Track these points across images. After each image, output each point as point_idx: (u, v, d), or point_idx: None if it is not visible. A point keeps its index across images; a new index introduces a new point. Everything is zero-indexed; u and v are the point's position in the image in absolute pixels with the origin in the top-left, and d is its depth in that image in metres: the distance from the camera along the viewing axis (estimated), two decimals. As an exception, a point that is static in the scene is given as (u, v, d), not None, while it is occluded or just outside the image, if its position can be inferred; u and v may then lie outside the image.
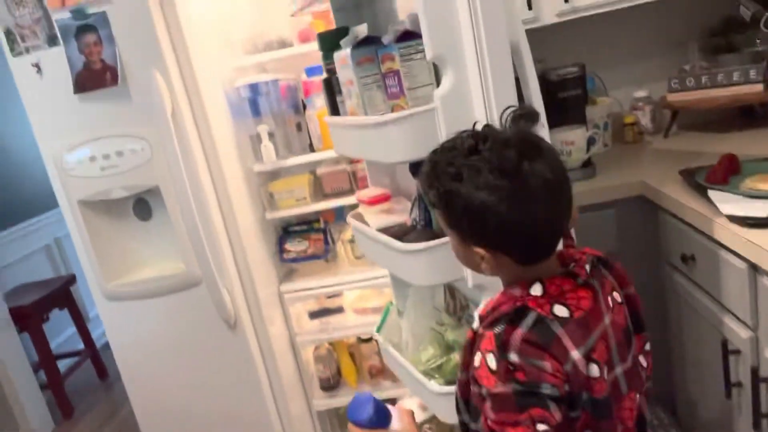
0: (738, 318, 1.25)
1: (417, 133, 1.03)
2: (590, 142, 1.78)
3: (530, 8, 1.82)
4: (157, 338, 1.86)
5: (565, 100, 1.75)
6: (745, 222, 1.18)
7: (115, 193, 1.73)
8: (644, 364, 0.92)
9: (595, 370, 0.79)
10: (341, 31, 1.28)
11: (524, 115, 0.84)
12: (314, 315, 2.04)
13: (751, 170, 1.46)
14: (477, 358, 0.81)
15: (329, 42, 1.29)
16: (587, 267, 0.85)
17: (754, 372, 1.17)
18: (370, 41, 1.16)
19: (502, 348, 0.77)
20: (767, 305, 1.14)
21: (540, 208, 0.78)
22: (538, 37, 2.15)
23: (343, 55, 1.18)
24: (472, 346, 0.86)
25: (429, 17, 0.99)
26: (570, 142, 1.75)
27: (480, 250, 0.81)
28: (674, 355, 1.69)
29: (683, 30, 2.08)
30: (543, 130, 1.01)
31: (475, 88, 1.01)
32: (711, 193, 1.33)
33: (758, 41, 1.88)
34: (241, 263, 1.79)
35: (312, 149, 1.87)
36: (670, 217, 1.51)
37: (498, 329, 0.79)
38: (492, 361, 0.78)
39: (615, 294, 0.89)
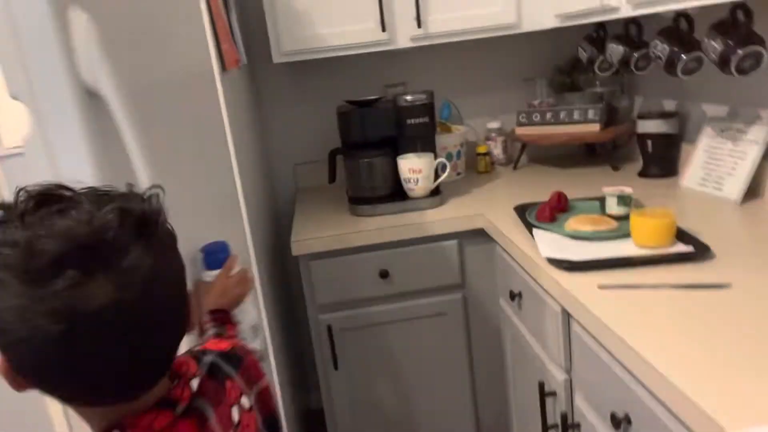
0: (554, 360, 1.25)
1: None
2: (439, 170, 1.75)
3: (384, 30, 1.77)
4: None
5: (415, 126, 1.70)
6: (560, 265, 1.17)
7: None
8: None
9: None
10: None
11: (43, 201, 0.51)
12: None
13: (577, 209, 1.48)
14: None
15: None
16: (195, 382, 0.63)
17: (564, 417, 1.15)
18: None
19: None
20: (579, 350, 1.13)
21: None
22: (401, 59, 2.15)
23: None
24: None
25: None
26: (417, 170, 1.71)
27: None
28: (508, 392, 1.69)
29: (534, 66, 2.14)
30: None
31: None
32: (536, 233, 1.33)
33: (597, 83, 1.96)
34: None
35: None
36: (503, 251, 1.50)
37: None
38: None
39: (243, 400, 0.69)
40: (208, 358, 0.68)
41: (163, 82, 1.03)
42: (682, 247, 1.18)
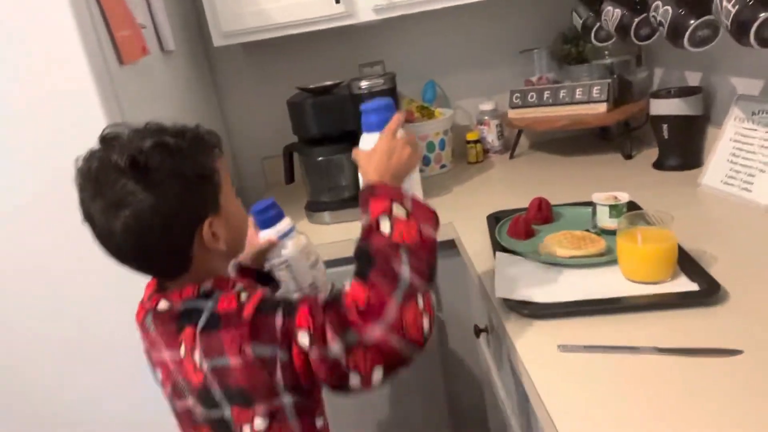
0: (516, 418, 0.98)
1: None
2: (408, 167, 1.47)
3: (337, 1, 1.48)
4: None
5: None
6: (519, 309, 0.89)
7: None
8: None
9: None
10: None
11: None
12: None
13: (563, 219, 1.19)
14: None
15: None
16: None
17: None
18: None
19: None
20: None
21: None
22: (376, 34, 1.86)
23: None
24: None
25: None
26: (380, 169, 1.43)
27: None
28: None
29: (533, 34, 1.81)
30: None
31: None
32: (498, 258, 1.04)
33: (606, 53, 1.62)
34: None
35: None
36: (470, 276, 1.23)
37: None
38: None
39: (195, 355, 0.74)
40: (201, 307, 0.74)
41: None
42: (684, 284, 0.88)
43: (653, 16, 1.08)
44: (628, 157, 1.57)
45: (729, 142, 1.22)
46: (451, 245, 1.33)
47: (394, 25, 1.78)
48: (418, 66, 1.85)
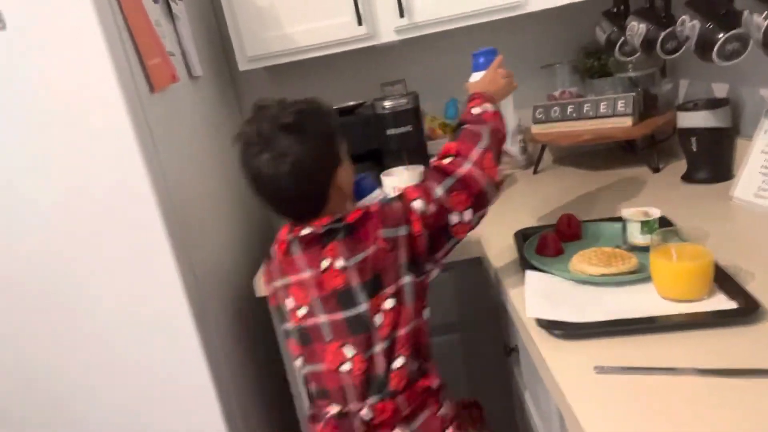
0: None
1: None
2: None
3: (360, 23, 1.50)
4: None
5: (398, 137, 1.44)
6: (551, 329, 0.88)
7: None
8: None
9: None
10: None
11: None
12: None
13: (592, 236, 1.18)
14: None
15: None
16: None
17: None
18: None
19: None
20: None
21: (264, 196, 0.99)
22: (397, 54, 1.88)
23: None
24: None
25: None
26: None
27: None
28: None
29: (554, 49, 1.81)
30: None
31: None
32: (528, 276, 1.03)
33: (630, 66, 1.61)
34: None
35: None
36: (498, 294, 1.21)
37: None
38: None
39: (337, 262, 0.94)
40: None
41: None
42: (721, 302, 0.86)
43: (680, 31, 1.07)
44: (656, 170, 1.55)
45: (760, 154, 1.20)
46: (478, 262, 1.33)
47: (414, 44, 1.79)
48: (439, 83, 1.86)
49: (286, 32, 1.53)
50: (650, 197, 1.37)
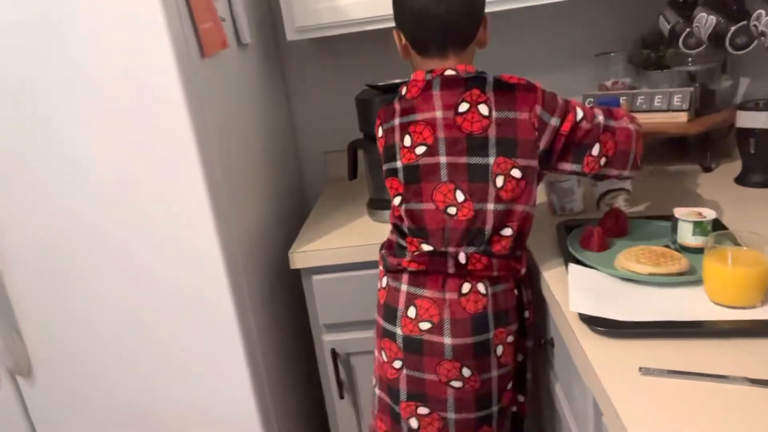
0: (585, 442, 0.95)
1: None
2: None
3: None
4: None
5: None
6: (595, 326, 0.86)
7: None
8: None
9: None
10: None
11: None
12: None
13: (640, 233, 1.14)
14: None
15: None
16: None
17: None
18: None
19: None
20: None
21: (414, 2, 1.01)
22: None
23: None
24: None
25: None
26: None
27: (396, 33, 1.09)
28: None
29: (611, 37, 1.75)
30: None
31: None
32: (571, 270, 1.01)
33: (690, 60, 1.55)
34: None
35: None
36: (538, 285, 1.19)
37: None
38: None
39: (481, 107, 1.00)
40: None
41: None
42: (777, 312, 0.83)
43: (754, 25, 1.01)
44: (708, 169, 1.50)
45: (826, 160, 1.14)
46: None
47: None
48: (486, 65, 1.80)
49: (338, 4, 1.50)
50: (700, 197, 1.33)
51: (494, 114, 0.98)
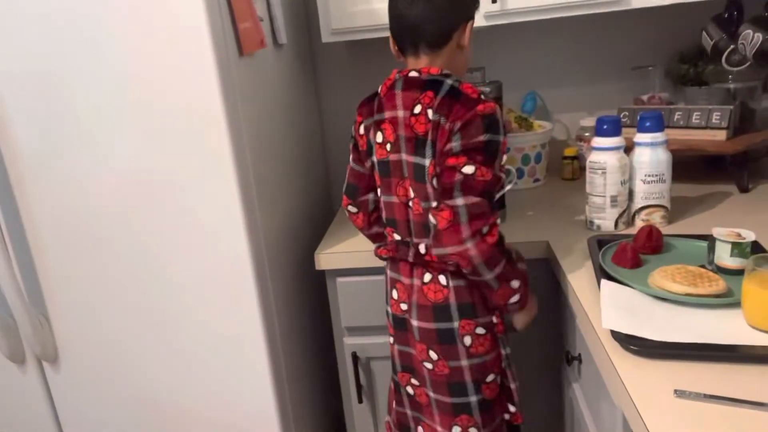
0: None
1: None
2: (504, 179, 1.43)
3: (450, 5, 1.45)
4: None
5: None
6: (628, 344, 0.84)
7: None
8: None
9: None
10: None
11: None
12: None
13: (675, 252, 1.12)
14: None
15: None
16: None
17: None
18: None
19: None
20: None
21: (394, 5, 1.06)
22: (481, 38, 1.82)
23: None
24: None
25: None
26: (476, 178, 1.40)
27: (390, 37, 1.11)
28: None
29: (649, 51, 1.72)
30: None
31: None
32: (604, 285, 0.99)
33: (730, 77, 1.51)
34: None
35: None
36: (565, 298, 1.17)
37: None
38: None
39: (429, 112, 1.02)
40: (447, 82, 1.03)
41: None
42: (820, 340, 0.80)
43: (804, 43, 0.99)
44: (744, 190, 1.46)
45: None
46: (544, 263, 1.29)
47: (499, 32, 1.75)
48: (519, 74, 1.80)
49: (374, 7, 1.50)
50: (738, 218, 1.29)
51: (431, 117, 1.01)
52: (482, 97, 1.00)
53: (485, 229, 0.98)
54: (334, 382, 1.56)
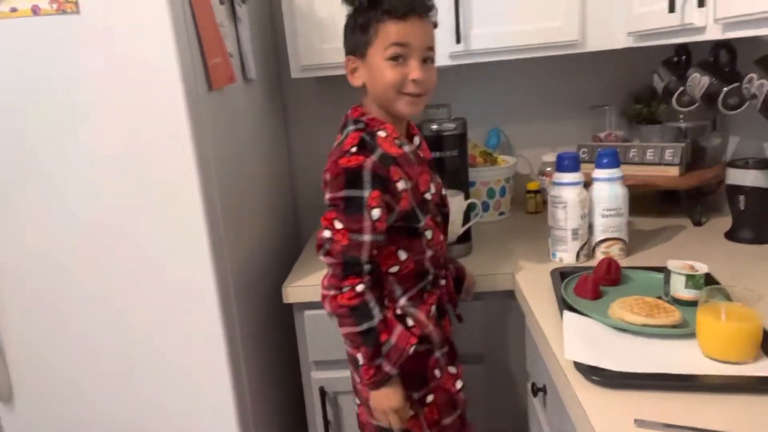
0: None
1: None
2: (469, 211, 1.46)
3: (416, 45, 1.51)
4: None
5: (443, 161, 1.43)
6: (590, 375, 0.86)
7: None
8: None
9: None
10: None
11: None
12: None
13: (632, 284, 1.16)
14: None
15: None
16: None
17: None
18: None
19: None
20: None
21: None
22: (445, 77, 1.88)
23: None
24: None
25: None
26: (443, 212, 1.43)
27: None
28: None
29: (604, 91, 1.81)
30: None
31: None
32: (566, 317, 1.02)
33: (681, 116, 1.60)
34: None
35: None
36: (529, 329, 1.20)
37: None
38: None
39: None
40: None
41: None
42: (766, 368, 0.84)
43: (746, 88, 1.06)
44: (698, 224, 1.53)
45: (813, 220, 1.17)
46: (510, 296, 1.31)
47: (463, 70, 1.81)
48: (483, 111, 1.86)
49: (339, 46, 1.53)
50: (691, 251, 1.35)
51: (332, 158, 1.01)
52: (354, 150, 0.97)
53: (333, 291, 1.00)
54: (303, 417, 1.53)
